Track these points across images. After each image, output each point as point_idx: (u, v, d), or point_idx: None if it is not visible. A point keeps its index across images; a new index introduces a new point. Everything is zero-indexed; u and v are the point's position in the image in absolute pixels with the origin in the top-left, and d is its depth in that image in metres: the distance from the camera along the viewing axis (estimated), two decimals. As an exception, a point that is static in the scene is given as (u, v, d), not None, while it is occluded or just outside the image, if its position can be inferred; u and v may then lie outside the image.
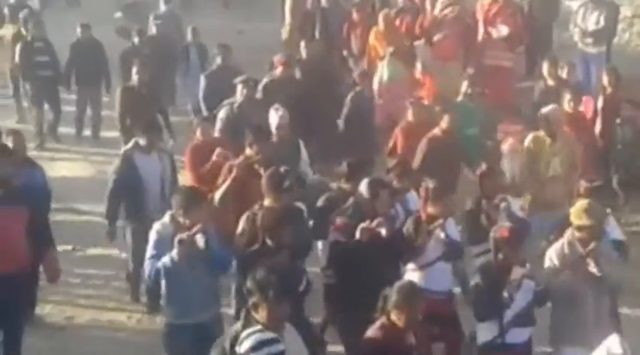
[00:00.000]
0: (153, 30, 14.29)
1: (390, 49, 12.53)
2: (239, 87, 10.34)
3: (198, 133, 9.36)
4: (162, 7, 14.99)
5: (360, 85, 11.32)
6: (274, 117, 9.29)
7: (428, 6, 13.54)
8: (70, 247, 9.99)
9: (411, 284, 6.07)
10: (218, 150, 8.79)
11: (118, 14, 17.04)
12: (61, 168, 12.10)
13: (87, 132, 13.61)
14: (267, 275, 5.61)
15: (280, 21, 15.66)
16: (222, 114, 10.20)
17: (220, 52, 11.91)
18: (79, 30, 13.33)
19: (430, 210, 7.36)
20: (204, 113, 11.15)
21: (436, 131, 9.62)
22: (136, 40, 13.51)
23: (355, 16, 13.61)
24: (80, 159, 12.84)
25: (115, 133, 12.11)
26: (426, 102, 11.42)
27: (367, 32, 13.16)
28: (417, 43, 13.06)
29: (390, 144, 10.30)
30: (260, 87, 11.02)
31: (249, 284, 5.66)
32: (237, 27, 17.10)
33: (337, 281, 7.19)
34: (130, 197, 8.56)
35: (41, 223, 7.47)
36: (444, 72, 12.58)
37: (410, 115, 10.30)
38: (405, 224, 7.35)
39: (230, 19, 17.93)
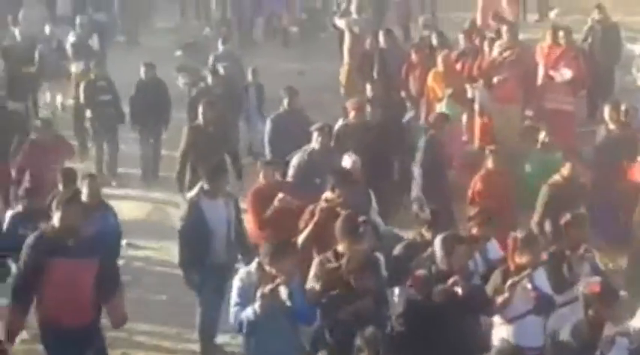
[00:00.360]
0: (220, 70, 14.15)
1: (449, 91, 12.51)
2: (315, 134, 10.16)
3: (261, 177, 9.30)
4: (220, 47, 15.09)
5: (436, 128, 10.94)
6: (347, 162, 9.23)
7: (486, 48, 13.48)
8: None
9: (512, 349, 5.81)
10: (280, 196, 8.76)
11: (178, 53, 17.21)
12: (119, 206, 12.16)
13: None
14: (375, 333, 5.52)
15: (339, 60, 15.71)
16: (294, 160, 10.10)
17: (286, 95, 11.74)
18: (142, 69, 13.41)
19: (518, 260, 7.12)
20: (268, 155, 11.11)
21: (557, 177, 9.43)
22: (209, 80, 13.52)
23: (414, 57, 13.60)
24: (138, 198, 12.89)
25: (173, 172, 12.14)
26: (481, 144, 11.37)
27: (426, 73, 13.13)
28: (475, 84, 13.01)
29: (470, 192, 10.08)
30: (333, 133, 10.84)
31: (358, 341, 5.60)
32: (296, 66, 17.19)
33: (408, 334, 7.00)
34: (197, 243, 8.47)
35: (110, 268, 7.36)
36: (502, 114, 12.52)
37: (490, 163, 10.04)
38: (493, 275, 7.16)
39: (289, 58, 18.04)
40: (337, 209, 8.02)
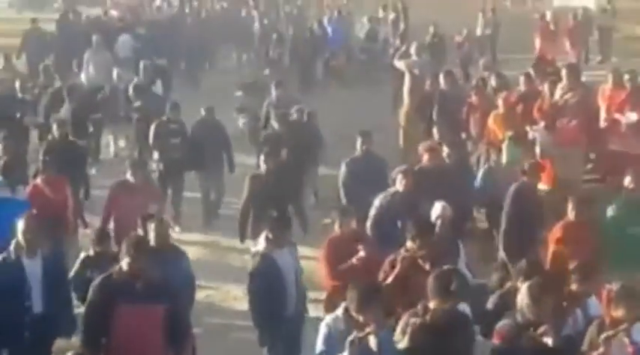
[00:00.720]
0: (294, 115, 13.64)
1: (509, 133, 12.44)
2: (399, 176, 10.02)
3: (336, 226, 9.04)
4: (273, 92, 14.73)
5: (529, 176, 10.32)
6: (437, 209, 9.09)
7: (547, 91, 13.41)
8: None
9: None
10: (359, 255, 8.53)
11: (239, 93, 17.38)
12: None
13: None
14: None
15: (397, 101, 15.74)
16: (377, 201, 9.97)
17: (360, 139, 11.50)
18: (202, 112, 13.32)
19: (614, 313, 6.85)
20: (344, 200, 11.02)
21: None
22: (275, 125, 13.41)
23: (474, 98, 13.60)
24: (199, 240, 12.83)
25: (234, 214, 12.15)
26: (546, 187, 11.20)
27: (486, 116, 13.10)
28: (535, 127, 12.92)
29: (552, 243, 9.39)
30: None
31: None
32: (354, 107, 17.25)
33: None
34: (273, 296, 8.20)
35: (179, 315, 7.20)
36: (565, 157, 12.37)
37: (570, 211, 9.38)
38: (589, 328, 6.91)
39: (348, 99, 18.11)
40: (419, 260, 7.81)
